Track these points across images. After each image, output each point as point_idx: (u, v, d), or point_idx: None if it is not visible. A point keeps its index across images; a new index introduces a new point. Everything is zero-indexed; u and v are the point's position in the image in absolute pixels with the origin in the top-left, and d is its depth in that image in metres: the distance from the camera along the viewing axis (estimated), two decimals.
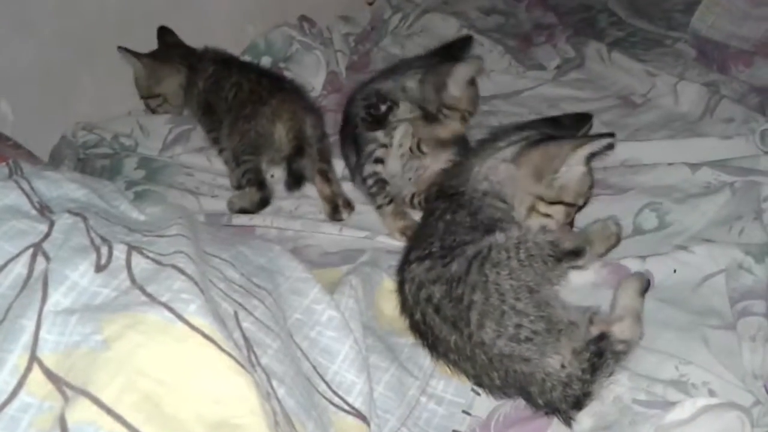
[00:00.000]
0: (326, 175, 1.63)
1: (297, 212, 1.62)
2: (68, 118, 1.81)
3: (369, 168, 1.54)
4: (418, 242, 1.24)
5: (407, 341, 1.17)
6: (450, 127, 1.56)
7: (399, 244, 1.40)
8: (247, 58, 2.04)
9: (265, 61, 2.05)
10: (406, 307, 1.19)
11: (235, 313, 0.87)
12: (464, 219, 1.22)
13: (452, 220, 1.23)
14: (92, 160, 1.76)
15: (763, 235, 1.26)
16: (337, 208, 1.58)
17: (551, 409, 1.05)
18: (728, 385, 1.06)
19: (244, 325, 0.86)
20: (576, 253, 1.19)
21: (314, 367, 0.96)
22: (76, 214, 0.90)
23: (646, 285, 1.21)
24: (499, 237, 1.15)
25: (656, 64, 1.98)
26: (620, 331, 1.12)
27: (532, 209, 1.27)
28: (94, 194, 1.03)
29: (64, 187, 1.00)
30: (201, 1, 2.00)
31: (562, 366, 1.06)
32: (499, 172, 1.27)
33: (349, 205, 1.59)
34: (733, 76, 1.90)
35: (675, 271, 1.26)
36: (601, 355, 1.07)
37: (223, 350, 0.73)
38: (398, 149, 1.57)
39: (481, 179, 1.28)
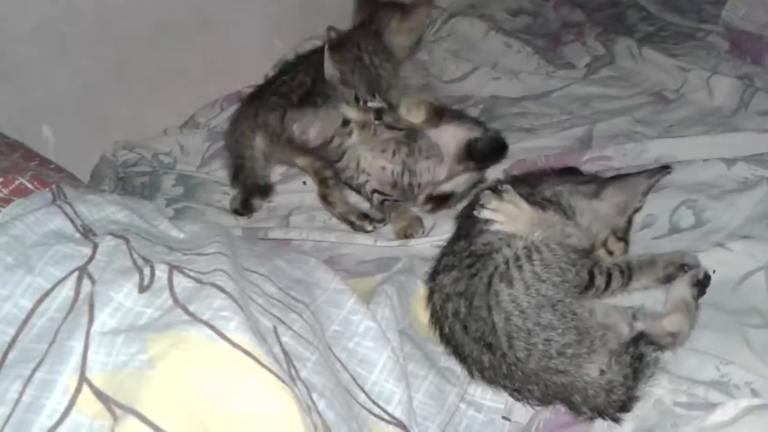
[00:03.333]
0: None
1: (331, 222, 1.64)
2: (107, 139, 1.87)
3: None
4: (449, 247, 1.24)
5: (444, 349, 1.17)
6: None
7: (435, 250, 1.35)
8: None
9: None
10: (434, 319, 1.19)
11: (274, 327, 0.89)
12: None
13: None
14: (132, 178, 1.81)
15: None
16: (354, 224, 1.58)
17: (597, 414, 1.05)
18: None
19: (284, 339, 0.88)
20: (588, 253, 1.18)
21: (353, 378, 0.98)
22: (119, 236, 0.93)
23: (702, 278, 1.20)
24: (506, 251, 1.12)
25: (688, 58, 1.96)
26: (669, 323, 1.13)
27: (603, 244, 1.26)
28: (134, 215, 1.06)
29: (105, 210, 1.03)
30: (229, 20, 2.03)
31: (602, 372, 1.06)
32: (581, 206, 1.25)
33: (367, 217, 1.58)
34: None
35: (714, 271, 1.25)
36: (641, 358, 1.07)
37: (263, 365, 0.75)
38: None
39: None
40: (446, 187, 1.57)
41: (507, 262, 1.09)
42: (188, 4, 1.93)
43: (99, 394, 0.74)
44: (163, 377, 0.73)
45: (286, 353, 0.86)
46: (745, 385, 1.05)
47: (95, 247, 0.90)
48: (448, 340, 1.16)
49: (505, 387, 1.11)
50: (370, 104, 1.57)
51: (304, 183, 1.76)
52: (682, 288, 1.18)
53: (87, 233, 0.95)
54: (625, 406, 1.04)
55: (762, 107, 1.69)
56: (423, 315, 1.24)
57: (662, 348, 1.11)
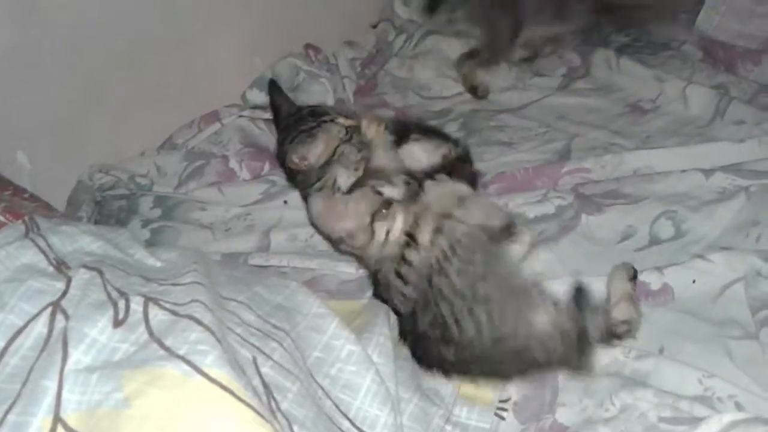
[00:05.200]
0: None
1: (312, 240, 1.62)
2: (84, 163, 1.83)
3: None
4: None
5: None
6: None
7: None
8: (255, 90, 2.06)
9: None
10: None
11: (254, 358, 0.87)
12: None
13: None
14: (109, 202, 1.78)
15: None
16: None
17: (567, 365, 1.13)
18: (755, 397, 1.05)
19: (263, 370, 0.87)
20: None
21: (336, 405, 0.97)
22: (93, 269, 0.92)
23: (633, 272, 1.26)
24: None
25: (664, 68, 1.97)
26: (620, 312, 1.18)
27: None
28: (109, 245, 1.05)
29: (79, 241, 1.01)
30: (207, 37, 2.01)
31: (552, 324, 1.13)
32: None
33: None
34: (742, 76, 1.89)
35: (694, 281, 1.25)
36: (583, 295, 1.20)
37: (241, 400, 0.73)
38: None
39: None
40: None
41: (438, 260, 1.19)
42: (166, 22, 1.91)
43: None
44: (139, 416, 0.71)
45: (266, 385, 0.85)
46: (728, 398, 1.06)
47: (69, 280, 0.89)
48: (419, 356, 1.21)
49: (484, 374, 1.17)
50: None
51: (285, 202, 1.75)
52: (621, 282, 1.23)
53: (60, 266, 0.93)
54: (582, 339, 1.13)
55: (737, 116, 1.70)
56: None
57: (619, 337, 1.17)
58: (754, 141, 1.56)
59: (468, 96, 2.14)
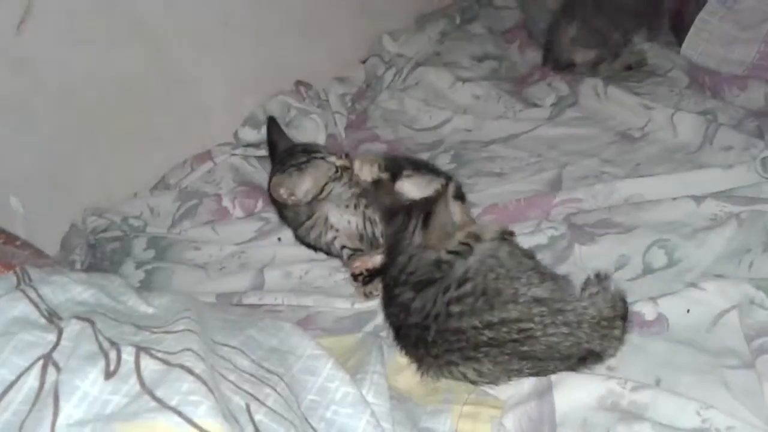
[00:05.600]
0: None
1: (307, 277, 1.62)
2: (77, 206, 1.84)
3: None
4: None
5: (425, 408, 1.16)
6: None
7: None
8: (247, 128, 2.08)
9: (265, 130, 2.07)
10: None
11: (247, 405, 0.87)
12: None
13: None
14: (102, 245, 1.78)
15: None
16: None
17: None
18: (753, 429, 1.04)
19: (257, 417, 0.86)
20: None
21: None
22: (84, 319, 0.91)
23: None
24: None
25: (652, 96, 1.99)
26: None
27: None
28: (101, 293, 1.04)
29: (71, 291, 1.01)
30: (197, 79, 2.04)
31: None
32: None
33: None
34: (729, 102, 1.91)
35: (688, 311, 1.25)
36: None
37: None
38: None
39: None
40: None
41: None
42: (155, 65, 1.93)
43: None
44: None
45: None
46: (726, 429, 1.04)
47: (60, 332, 0.88)
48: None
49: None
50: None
51: (279, 239, 1.76)
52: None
53: (52, 317, 0.93)
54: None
55: (726, 142, 1.71)
56: (405, 371, 1.23)
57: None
58: (742, 166, 1.57)
59: (458, 127, 2.15)
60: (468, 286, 1.20)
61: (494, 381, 1.19)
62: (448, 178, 1.63)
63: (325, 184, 1.58)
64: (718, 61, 2.03)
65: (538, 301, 1.16)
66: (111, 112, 1.86)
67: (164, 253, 1.75)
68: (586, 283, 1.24)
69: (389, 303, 1.31)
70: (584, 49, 2.29)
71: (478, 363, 1.17)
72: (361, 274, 1.52)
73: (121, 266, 1.70)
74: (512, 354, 1.15)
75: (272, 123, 1.77)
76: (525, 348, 1.14)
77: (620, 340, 1.19)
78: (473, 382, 1.19)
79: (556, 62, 2.35)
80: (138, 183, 1.96)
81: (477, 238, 1.32)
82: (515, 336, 1.14)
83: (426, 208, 1.38)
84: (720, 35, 2.04)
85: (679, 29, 2.14)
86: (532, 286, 1.19)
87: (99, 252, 1.77)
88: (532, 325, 1.14)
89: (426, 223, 1.35)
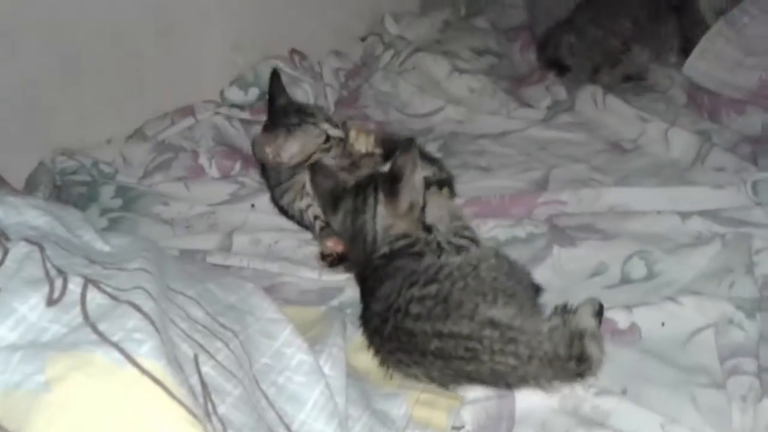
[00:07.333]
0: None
1: (276, 247, 1.57)
2: (49, 144, 1.76)
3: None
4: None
5: (381, 390, 1.11)
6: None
7: None
8: (234, 88, 2.01)
9: (253, 93, 2.02)
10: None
11: (195, 356, 0.81)
12: None
13: None
14: (69, 187, 1.71)
15: (754, 290, 1.23)
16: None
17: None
18: None
19: (204, 369, 0.81)
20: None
21: (280, 417, 0.90)
22: (34, 243, 0.85)
23: (599, 308, 1.21)
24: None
25: (648, 110, 1.95)
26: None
27: None
28: (57, 222, 0.98)
29: (24, 214, 0.95)
30: (191, 32, 1.96)
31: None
32: None
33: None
34: (725, 125, 1.88)
35: (663, 324, 1.22)
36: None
37: (174, 397, 0.67)
38: None
39: None
40: None
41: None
42: (149, 14, 1.86)
43: None
44: (58, 403, 0.64)
45: (204, 385, 0.78)
46: None
47: (6, 252, 0.82)
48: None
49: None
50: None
51: (253, 205, 1.70)
52: (586, 318, 1.16)
53: (0, 237, 0.87)
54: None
55: (718, 163, 1.69)
56: (365, 352, 1.18)
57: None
58: (733, 188, 1.54)
59: (450, 117, 2.11)
60: (433, 288, 1.13)
61: (445, 386, 1.13)
62: (441, 167, 1.59)
63: (313, 153, 1.52)
64: (719, 83, 2.00)
65: (492, 324, 1.08)
66: (97, 55, 1.78)
67: (132, 203, 1.68)
68: (553, 312, 1.18)
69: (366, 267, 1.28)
70: (581, 59, 2.25)
71: (425, 369, 1.12)
72: (330, 255, 1.47)
73: (86, 211, 1.62)
74: (457, 373, 1.10)
75: (275, 76, 1.69)
76: (470, 368, 1.08)
77: (575, 377, 1.11)
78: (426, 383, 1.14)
79: (549, 61, 2.31)
80: (115, 130, 1.89)
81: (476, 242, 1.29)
82: (461, 353, 1.08)
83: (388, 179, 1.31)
84: (724, 58, 2.02)
85: (689, 53, 2.11)
86: (493, 307, 1.10)
87: (65, 194, 1.70)
88: (479, 346, 1.07)
89: (393, 192, 1.29)
